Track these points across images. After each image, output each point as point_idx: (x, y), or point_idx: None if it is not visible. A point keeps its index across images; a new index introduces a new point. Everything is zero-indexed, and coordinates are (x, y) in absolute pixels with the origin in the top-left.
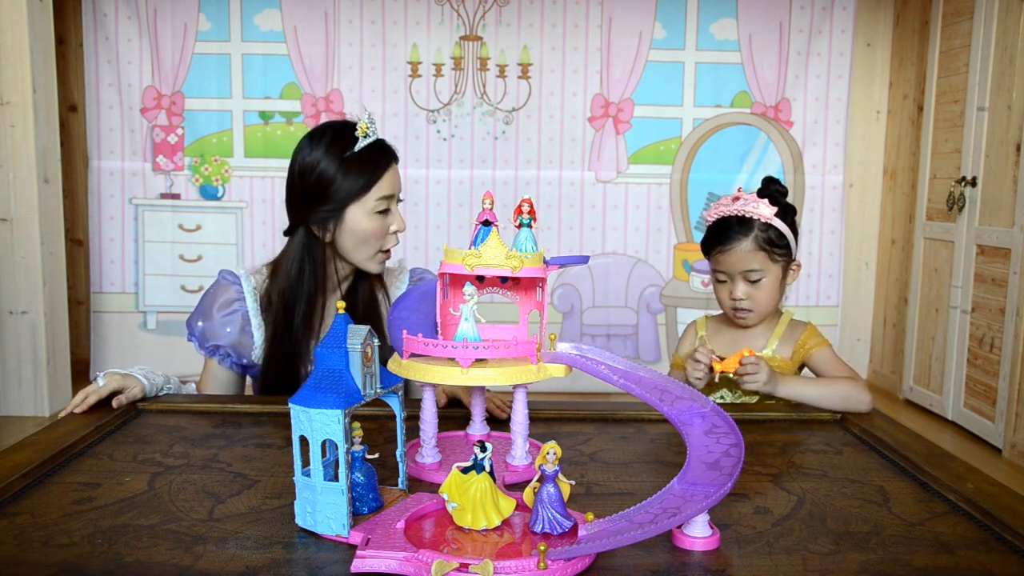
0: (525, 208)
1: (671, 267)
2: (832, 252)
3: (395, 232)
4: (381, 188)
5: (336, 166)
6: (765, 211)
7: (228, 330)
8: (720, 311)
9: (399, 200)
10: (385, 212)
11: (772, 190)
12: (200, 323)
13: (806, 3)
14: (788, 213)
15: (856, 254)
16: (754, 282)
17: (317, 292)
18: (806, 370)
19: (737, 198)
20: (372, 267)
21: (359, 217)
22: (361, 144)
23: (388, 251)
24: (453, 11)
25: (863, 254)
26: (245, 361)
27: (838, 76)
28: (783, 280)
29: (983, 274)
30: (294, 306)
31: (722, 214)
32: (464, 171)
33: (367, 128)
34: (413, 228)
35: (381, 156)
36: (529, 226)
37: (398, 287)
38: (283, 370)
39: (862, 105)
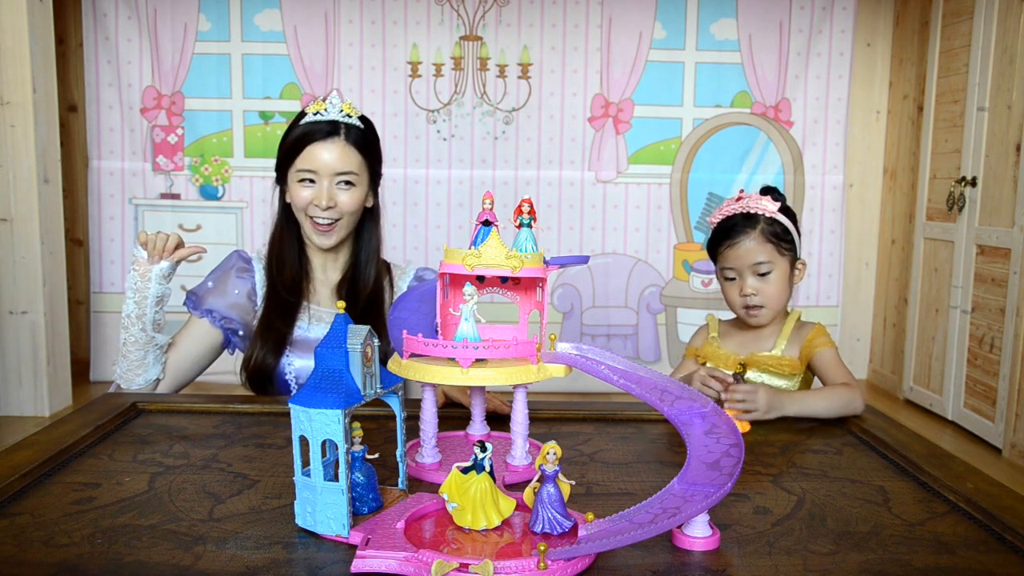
0: (525, 208)
1: (671, 267)
2: (832, 252)
3: (315, 205)
4: (303, 160)
5: (288, 135)
6: (769, 206)
7: (236, 291)
8: (731, 315)
9: (347, 183)
10: (307, 183)
11: (770, 191)
12: (210, 283)
13: (806, 3)
14: (789, 214)
15: (856, 254)
16: (763, 275)
17: (302, 250)
18: (816, 381)
19: (740, 198)
20: (313, 239)
21: (289, 183)
22: (308, 119)
23: (326, 226)
24: (453, 11)
25: (863, 254)
26: (242, 333)
27: (838, 76)
28: (790, 277)
29: (983, 274)
30: (283, 258)
31: (726, 214)
32: (464, 171)
33: (322, 106)
34: (413, 228)
35: (317, 132)
36: (529, 226)
37: (401, 286)
38: (276, 324)
39: (862, 105)
